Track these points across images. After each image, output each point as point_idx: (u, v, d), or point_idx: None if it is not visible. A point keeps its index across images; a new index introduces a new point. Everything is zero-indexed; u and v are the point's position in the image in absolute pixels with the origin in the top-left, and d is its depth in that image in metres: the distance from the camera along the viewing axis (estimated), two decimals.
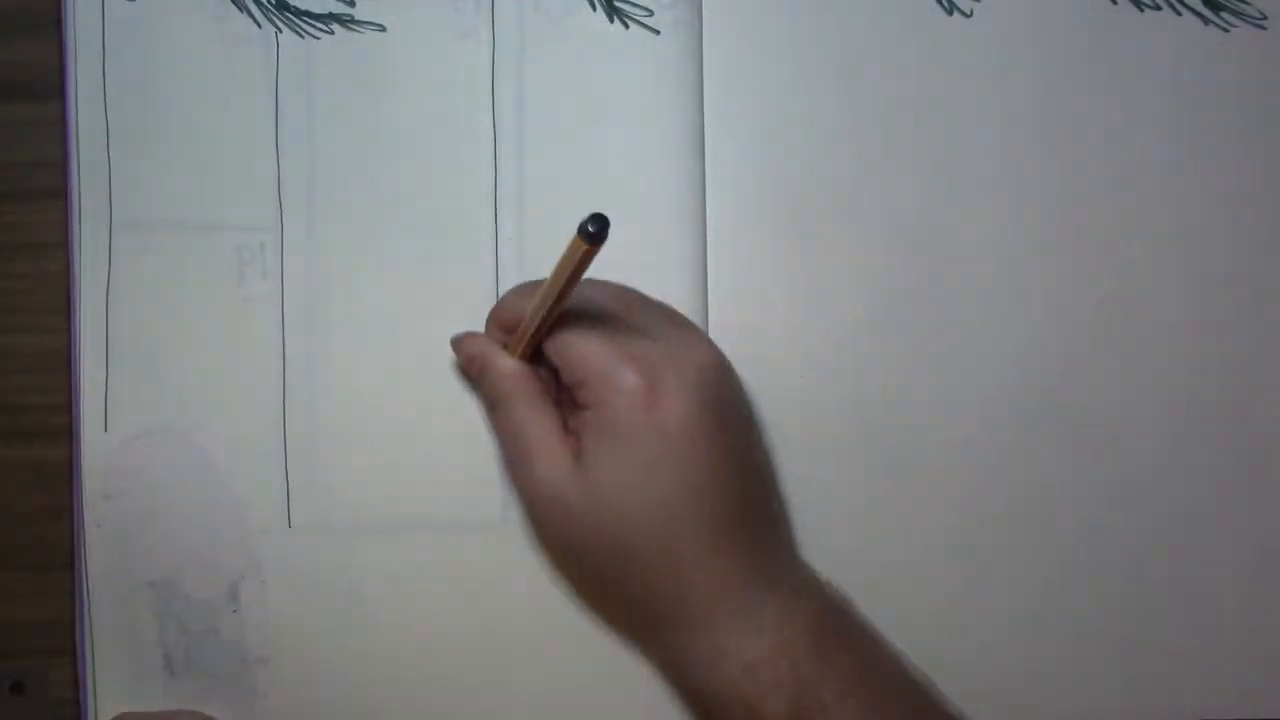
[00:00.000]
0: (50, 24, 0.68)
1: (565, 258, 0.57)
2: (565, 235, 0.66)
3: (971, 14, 0.68)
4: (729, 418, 0.61)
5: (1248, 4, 0.68)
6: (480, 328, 0.66)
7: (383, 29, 0.68)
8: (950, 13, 0.68)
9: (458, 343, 0.65)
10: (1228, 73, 0.68)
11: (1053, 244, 0.68)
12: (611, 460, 0.58)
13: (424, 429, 0.68)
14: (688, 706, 0.62)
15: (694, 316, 0.67)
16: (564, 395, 0.62)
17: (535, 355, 0.62)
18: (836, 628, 0.61)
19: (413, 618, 0.67)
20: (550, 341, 0.61)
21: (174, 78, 0.68)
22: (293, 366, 0.68)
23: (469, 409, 0.68)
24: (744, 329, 0.68)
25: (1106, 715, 0.68)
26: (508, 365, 0.62)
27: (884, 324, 0.68)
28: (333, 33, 0.68)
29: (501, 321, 0.63)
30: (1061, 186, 0.68)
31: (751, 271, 0.68)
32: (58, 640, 0.68)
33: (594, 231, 0.54)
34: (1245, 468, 0.68)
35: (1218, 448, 0.68)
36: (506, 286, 0.68)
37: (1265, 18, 0.68)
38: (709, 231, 0.67)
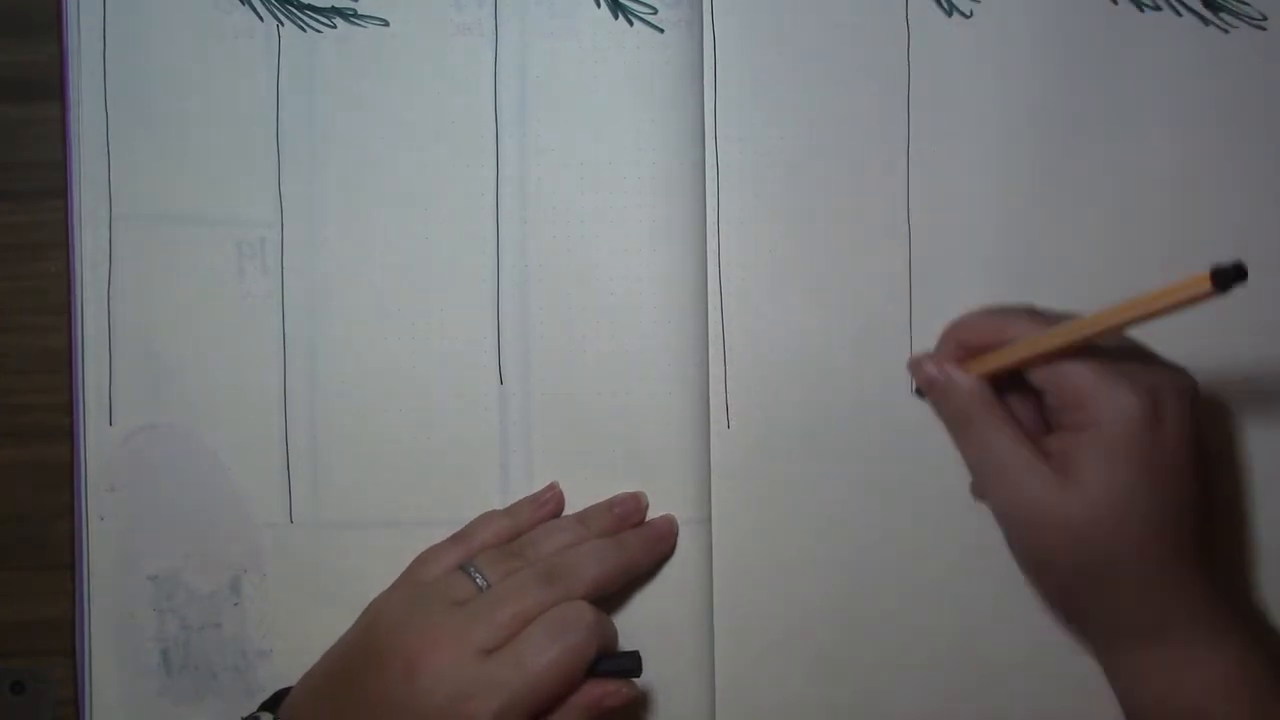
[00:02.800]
0: (50, 24, 0.68)
1: (1170, 292, 0.56)
2: (566, 233, 0.66)
3: (971, 14, 0.68)
4: (1204, 442, 0.62)
5: (1248, 4, 0.68)
6: (481, 327, 0.67)
7: (385, 23, 0.68)
8: (950, 13, 0.68)
9: (918, 363, 0.65)
10: (1228, 73, 0.68)
11: (1054, 243, 0.68)
12: (1110, 477, 0.59)
13: (424, 425, 0.68)
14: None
15: (696, 314, 0.67)
16: (1026, 416, 0.63)
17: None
18: None
19: None
20: (1038, 366, 0.61)
21: (175, 71, 0.68)
22: (293, 362, 0.68)
23: (469, 405, 0.68)
24: (746, 327, 0.68)
25: (1105, 716, 0.68)
26: (974, 385, 0.63)
27: (886, 323, 0.68)
28: (335, 27, 0.68)
29: (967, 340, 0.64)
30: (1062, 186, 0.68)
31: (753, 269, 0.68)
32: (58, 640, 0.68)
33: (1231, 277, 0.54)
34: (1244, 468, 0.68)
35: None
36: (506, 284, 0.68)
37: (1265, 18, 0.68)
38: (710, 229, 0.67)
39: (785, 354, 0.68)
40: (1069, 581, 0.61)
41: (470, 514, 0.68)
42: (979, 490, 0.65)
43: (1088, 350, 0.60)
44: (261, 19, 0.68)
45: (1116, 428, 0.59)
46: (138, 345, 0.68)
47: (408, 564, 0.66)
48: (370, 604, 0.65)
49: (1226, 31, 0.68)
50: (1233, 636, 0.60)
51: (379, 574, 0.67)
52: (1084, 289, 0.68)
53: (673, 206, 0.68)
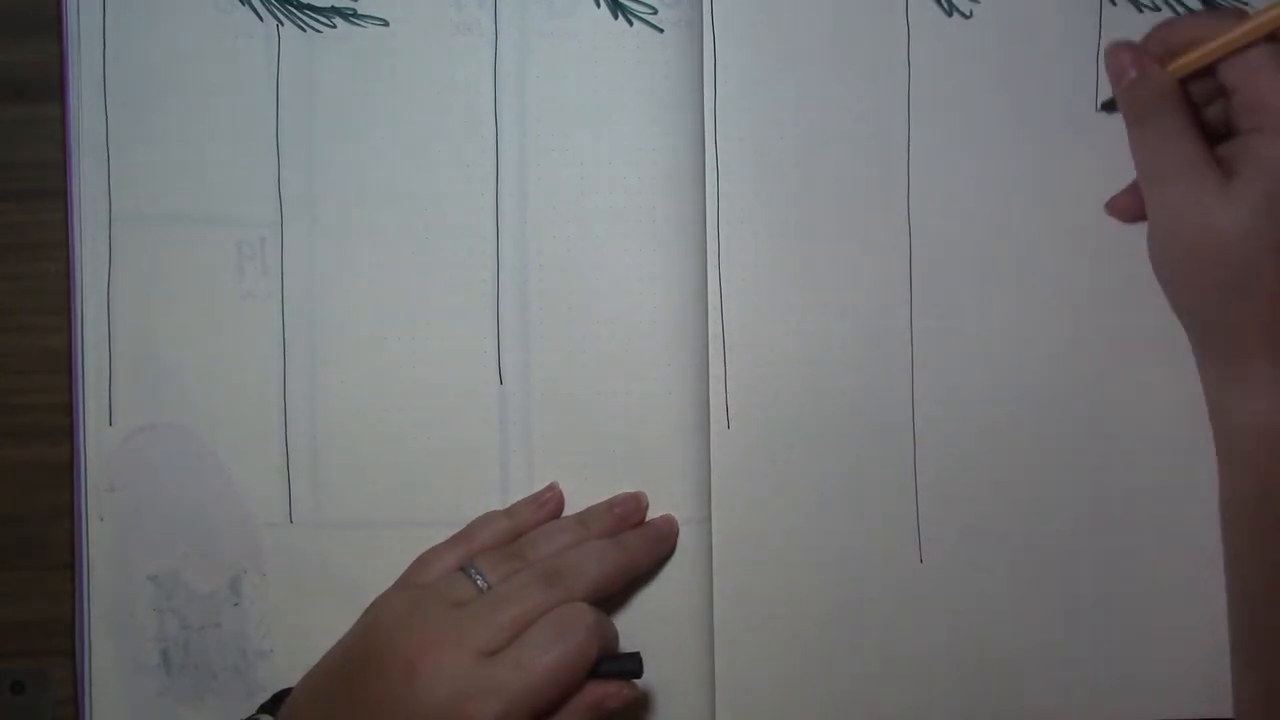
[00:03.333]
0: (50, 24, 0.68)
1: None
2: (566, 232, 0.67)
3: (971, 14, 0.68)
4: None
5: (1247, 4, 0.68)
6: (481, 327, 0.67)
7: (385, 23, 0.68)
8: (950, 13, 0.68)
9: (1115, 51, 0.65)
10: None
11: (1054, 243, 0.68)
12: (1265, 183, 0.60)
13: (424, 425, 0.68)
14: (1225, 440, 0.65)
15: (695, 313, 0.67)
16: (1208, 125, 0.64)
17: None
18: None
19: None
20: (1232, 63, 0.62)
21: (175, 71, 0.68)
22: (293, 362, 0.68)
23: (469, 405, 0.68)
24: (746, 327, 0.68)
25: (1103, 713, 0.68)
26: (1166, 80, 0.63)
27: (886, 323, 0.68)
28: (335, 27, 0.68)
29: (1168, 41, 0.64)
30: (1062, 186, 0.68)
31: (753, 269, 0.68)
32: (58, 640, 0.68)
33: None
34: None
35: (1213, 446, 0.68)
36: (507, 282, 0.68)
37: None
38: (710, 229, 0.67)
39: (785, 354, 0.68)
40: (1207, 287, 0.63)
41: (470, 514, 0.68)
42: (1144, 184, 0.65)
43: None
44: (261, 19, 0.68)
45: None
46: (138, 345, 0.68)
47: (408, 564, 0.66)
48: (370, 605, 0.65)
49: None
50: None
51: (379, 574, 0.67)
52: (1084, 289, 0.68)
53: (673, 206, 0.68)
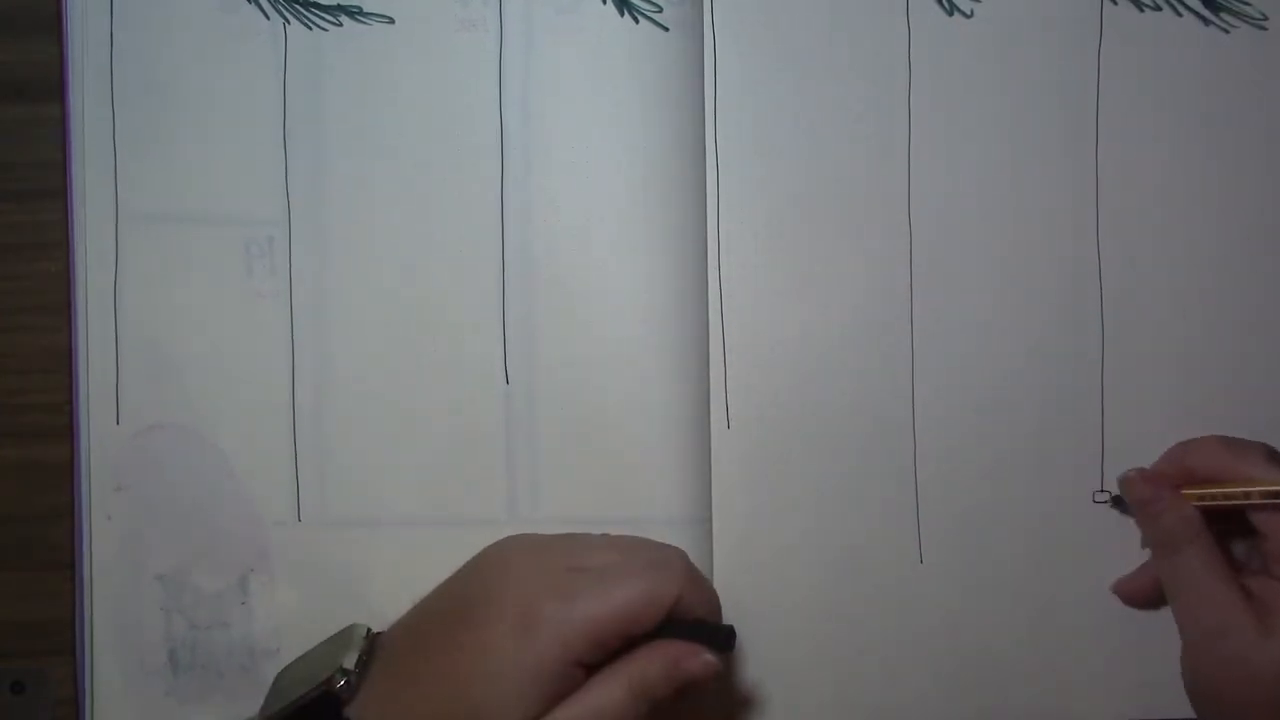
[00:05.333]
0: (50, 24, 0.68)
1: None
2: (570, 229, 0.67)
3: (971, 14, 0.68)
4: None
5: (1248, 4, 0.68)
6: (486, 326, 0.67)
7: (391, 21, 0.68)
8: (950, 13, 0.68)
9: (1129, 480, 0.66)
10: (1228, 73, 0.68)
11: (1054, 243, 0.68)
12: None
13: (431, 425, 0.68)
14: None
15: (697, 313, 0.67)
16: (1240, 555, 0.65)
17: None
18: None
19: None
20: (1268, 513, 0.62)
21: (181, 70, 0.68)
22: (301, 361, 0.68)
23: (475, 405, 0.68)
24: (746, 327, 0.68)
25: (1103, 713, 0.68)
26: (1192, 515, 0.64)
27: (886, 323, 0.68)
28: (341, 25, 0.68)
29: (1192, 469, 0.65)
30: (1061, 186, 0.68)
31: (753, 269, 0.68)
32: (58, 640, 0.68)
33: None
34: None
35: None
36: (512, 281, 0.68)
37: (1265, 18, 0.68)
38: (710, 229, 0.67)
39: (785, 354, 0.68)
40: None
41: (476, 512, 0.68)
42: (1176, 612, 0.65)
43: None
44: (268, 17, 0.68)
45: None
46: (145, 344, 0.68)
47: (415, 563, 0.66)
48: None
49: (1227, 31, 0.68)
50: None
51: (387, 572, 0.67)
52: (1084, 288, 0.68)
53: (673, 206, 0.68)
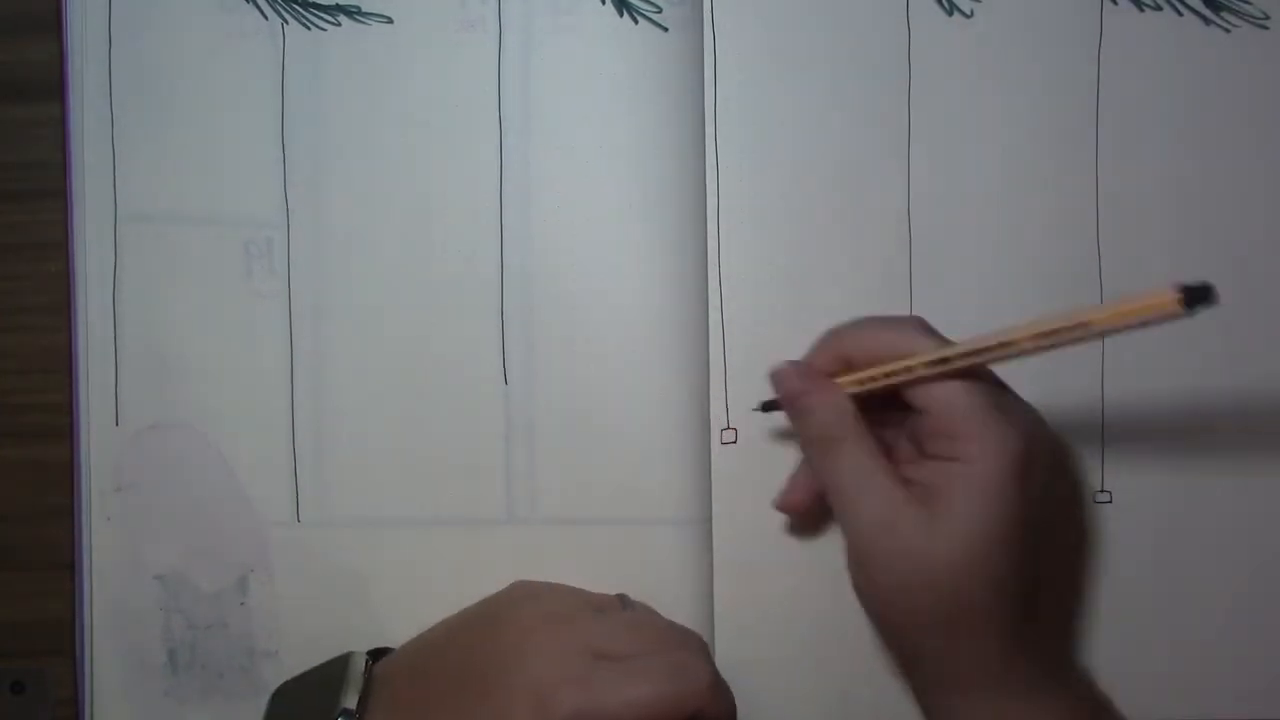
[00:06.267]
0: (50, 24, 0.68)
1: (1126, 309, 0.52)
2: (569, 230, 0.66)
3: (971, 14, 0.68)
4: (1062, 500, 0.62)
5: (1249, 4, 0.68)
6: (482, 326, 0.67)
7: (389, 21, 0.68)
8: (950, 13, 0.68)
9: (779, 373, 0.63)
10: (1228, 73, 0.68)
11: (1054, 243, 0.68)
12: (977, 518, 0.56)
13: (431, 425, 0.68)
14: None
15: (697, 313, 0.67)
16: (892, 440, 0.62)
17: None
18: None
19: (419, 612, 0.67)
20: (921, 389, 0.59)
21: (180, 70, 0.68)
22: (300, 362, 0.68)
23: (475, 405, 0.68)
24: (746, 327, 0.68)
25: None
26: (845, 403, 0.60)
27: None
28: (339, 25, 0.68)
29: (847, 353, 0.61)
30: (1062, 186, 0.68)
31: (753, 269, 0.68)
32: (58, 640, 0.68)
33: (1197, 296, 0.49)
34: (1242, 467, 0.68)
35: (1213, 448, 0.68)
36: (511, 282, 0.68)
37: (1267, 18, 0.68)
38: (710, 229, 0.67)
39: (785, 354, 0.67)
40: (920, 622, 0.59)
41: (476, 513, 0.68)
42: (837, 512, 0.61)
43: (973, 377, 0.58)
44: (266, 18, 0.68)
45: (994, 466, 0.56)
46: (144, 345, 0.68)
47: (414, 563, 0.67)
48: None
49: (1228, 31, 0.68)
50: (1064, 698, 0.60)
51: (386, 573, 0.67)
52: (1084, 288, 0.68)
53: (673, 206, 0.68)
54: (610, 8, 0.68)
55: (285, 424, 0.68)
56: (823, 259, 0.68)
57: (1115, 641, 0.68)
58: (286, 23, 0.68)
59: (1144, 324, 0.51)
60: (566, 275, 0.68)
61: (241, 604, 0.68)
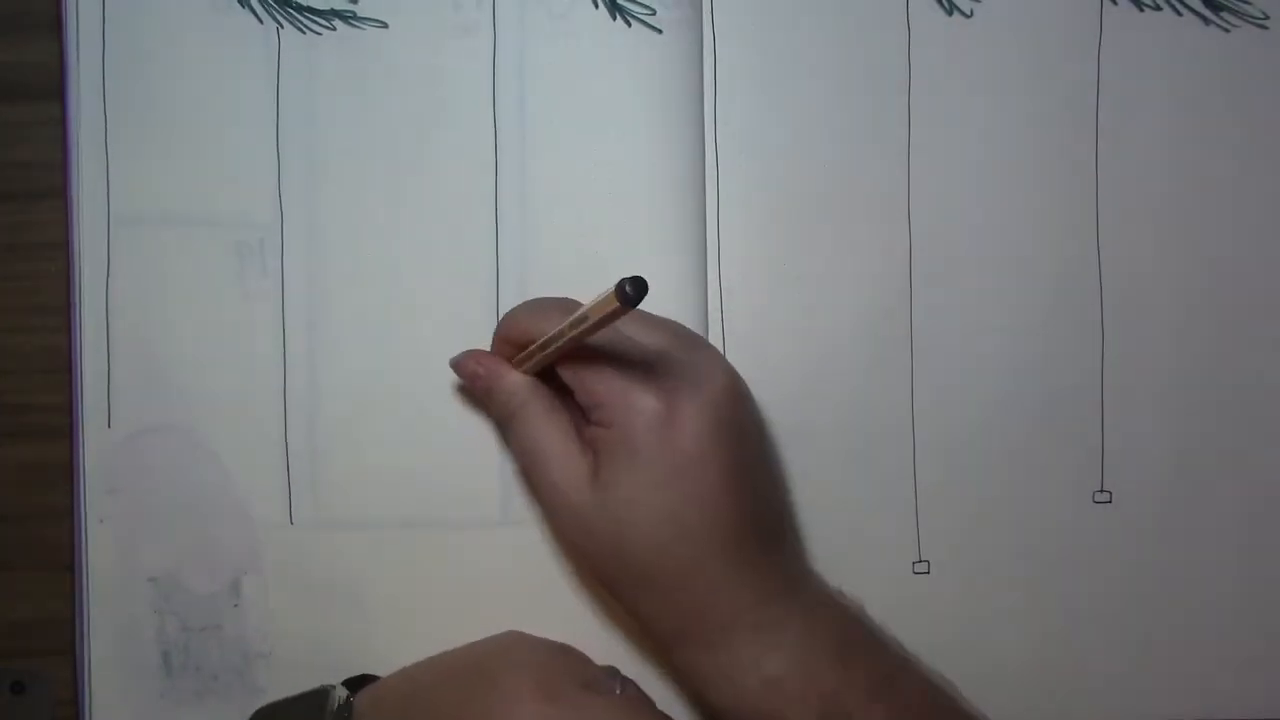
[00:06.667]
0: (50, 24, 0.68)
1: (595, 308, 0.56)
2: (565, 233, 0.66)
3: (971, 14, 0.68)
4: (743, 436, 0.61)
5: (1249, 4, 0.68)
6: (480, 324, 0.67)
7: (384, 25, 0.68)
8: (950, 13, 0.68)
9: (459, 363, 0.65)
10: (1227, 73, 0.68)
11: (1054, 243, 0.68)
12: (629, 479, 0.59)
13: (425, 426, 0.68)
14: None
15: (694, 315, 0.67)
16: (576, 411, 0.63)
17: (544, 370, 0.63)
18: (855, 638, 0.62)
19: (413, 614, 0.67)
20: (565, 364, 0.61)
21: (174, 72, 0.68)
22: (293, 363, 0.68)
23: (470, 407, 0.68)
24: (744, 328, 0.68)
25: (1104, 715, 0.68)
26: (519, 380, 0.63)
27: (886, 323, 0.68)
28: (334, 29, 0.68)
29: (510, 337, 0.64)
30: (1062, 187, 0.68)
31: (753, 269, 0.68)
32: (58, 640, 0.68)
33: (631, 294, 0.53)
34: (1242, 467, 0.68)
35: (1213, 448, 0.68)
36: (506, 284, 0.68)
37: (1266, 18, 0.68)
38: (710, 229, 0.67)
39: (785, 354, 0.68)
40: (619, 584, 0.61)
41: (470, 515, 0.68)
42: (525, 486, 0.66)
43: (617, 345, 0.61)
44: (261, 21, 0.68)
45: (633, 429, 0.59)
46: (137, 347, 0.67)
47: (409, 565, 0.67)
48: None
49: (1227, 31, 0.68)
50: (792, 630, 0.60)
51: (380, 575, 0.67)
52: (1084, 288, 0.68)
53: (672, 207, 0.68)
54: (603, 11, 0.67)
55: (278, 425, 0.68)
56: (823, 259, 0.68)
57: (1115, 641, 0.68)
58: (281, 26, 0.68)
59: (603, 324, 0.56)
60: (562, 276, 0.68)
61: (235, 606, 0.68)
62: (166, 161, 0.68)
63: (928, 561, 0.68)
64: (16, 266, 0.68)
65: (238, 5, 0.68)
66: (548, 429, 0.62)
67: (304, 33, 0.68)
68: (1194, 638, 0.68)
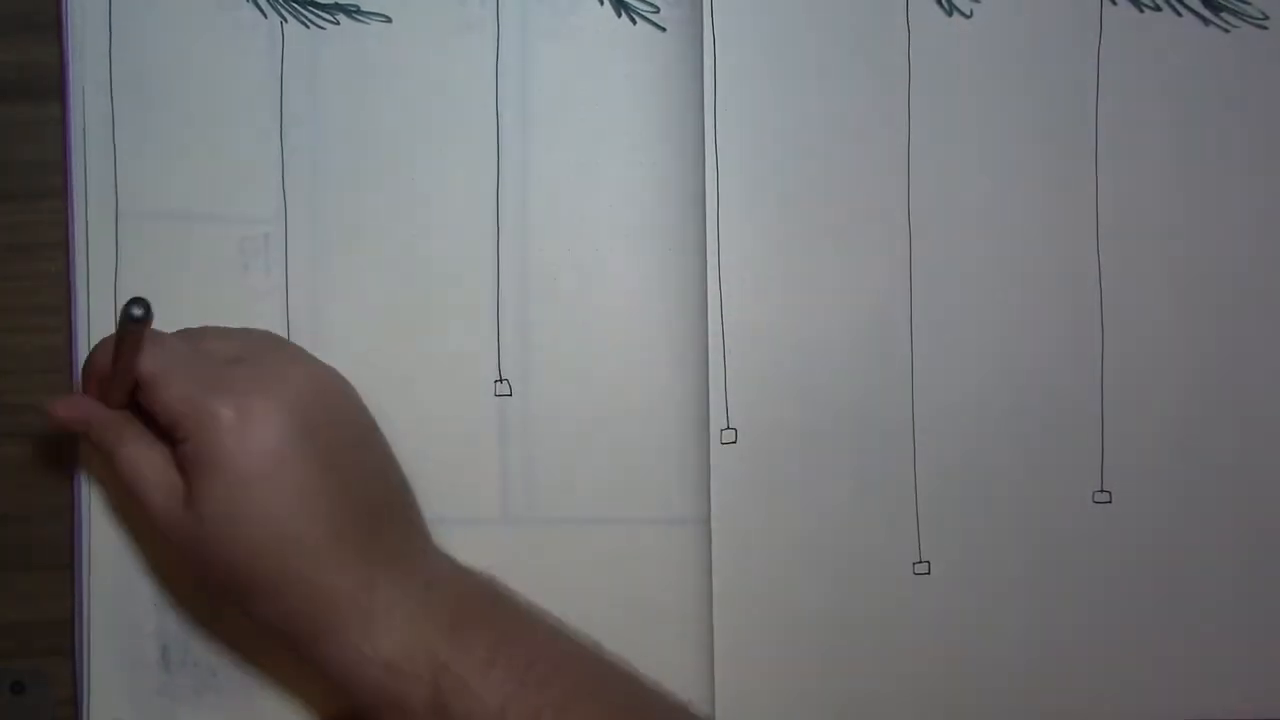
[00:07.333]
0: (50, 24, 0.68)
1: (118, 336, 0.58)
2: (567, 230, 0.67)
3: (971, 14, 0.68)
4: (330, 428, 0.61)
5: (1248, 4, 0.68)
6: (482, 326, 0.67)
7: (388, 20, 0.68)
8: (950, 13, 0.68)
9: (51, 414, 0.63)
10: (1228, 73, 0.68)
11: (1054, 243, 0.68)
12: (214, 491, 0.59)
13: (427, 423, 0.68)
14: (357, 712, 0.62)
15: (695, 313, 0.67)
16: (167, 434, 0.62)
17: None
18: (475, 610, 0.62)
19: None
20: (145, 389, 0.61)
21: (178, 68, 0.68)
22: None
23: (470, 405, 0.68)
24: (746, 327, 0.67)
25: (1105, 715, 0.68)
26: (107, 415, 0.63)
27: (886, 323, 0.68)
28: (338, 23, 0.68)
29: (95, 375, 0.63)
30: (1062, 187, 0.68)
31: (753, 269, 0.68)
32: (58, 640, 0.68)
33: (139, 315, 0.56)
34: (1242, 467, 0.68)
35: (1213, 448, 0.68)
36: (507, 281, 0.68)
37: (1266, 18, 0.68)
38: (710, 229, 0.67)
39: (785, 354, 0.68)
40: (236, 597, 0.61)
41: (470, 513, 0.68)
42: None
43: (186, 360, 0.61)
44: (265, 15, 0.67)
45: (209, 440, 0.58)
46: None
47: None
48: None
49: (1227, 31, 0.68)
50: (402, 611, 0.60)
51: None
52: (1084, 289, 0.68)
53: (672, 207, 0.68)
54: (609, 8, 0.68)
55: None
56: (823, 259, 0.68)
57: (1115, 641, 0.68)
58: (285, 21, 0.68)
59: (133, 345, 0.59)
60: (563, 274, 0.68)
61: None
62: (171, 157, 0.67)
63: (928, 562, 0.68)
64: (16, 266, 0.68)
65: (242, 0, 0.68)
66: (143, 458, 0.61)
67: (308, 27, 0.68)
68: (1194, 638, 0.68)
